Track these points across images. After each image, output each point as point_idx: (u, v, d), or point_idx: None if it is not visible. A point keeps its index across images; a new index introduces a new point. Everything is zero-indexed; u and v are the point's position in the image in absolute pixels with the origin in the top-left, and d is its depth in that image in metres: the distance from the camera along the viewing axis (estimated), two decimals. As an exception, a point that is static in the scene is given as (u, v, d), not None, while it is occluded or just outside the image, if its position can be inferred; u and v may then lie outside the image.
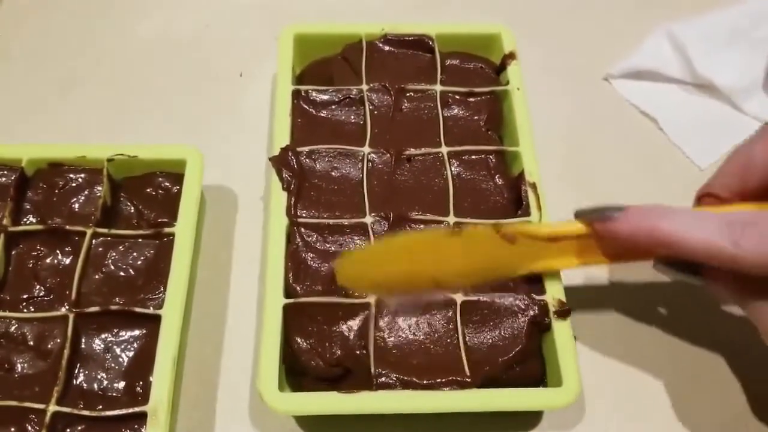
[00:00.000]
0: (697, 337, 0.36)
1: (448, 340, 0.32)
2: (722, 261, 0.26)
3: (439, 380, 0.30)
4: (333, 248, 0.34)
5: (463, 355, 0.31)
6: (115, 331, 0.33)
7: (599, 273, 0.38)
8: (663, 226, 0.27)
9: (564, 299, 0.33)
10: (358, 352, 0.31)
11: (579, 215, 0.30)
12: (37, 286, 0.34)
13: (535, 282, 0.33)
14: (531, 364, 0.32)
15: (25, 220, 0.36)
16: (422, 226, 0.35)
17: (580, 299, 0.36)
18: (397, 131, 0.38)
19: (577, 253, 0.31)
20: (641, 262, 0.30)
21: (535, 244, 0.30)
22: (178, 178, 0.37)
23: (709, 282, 0.29)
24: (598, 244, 0.30)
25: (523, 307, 0.32)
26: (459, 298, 0.33)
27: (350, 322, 0.32)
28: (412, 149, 0.37)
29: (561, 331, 0.32)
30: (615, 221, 0.29)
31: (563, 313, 0.32)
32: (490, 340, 0.32)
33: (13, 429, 0.30)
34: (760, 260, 0.26)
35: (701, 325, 0.37)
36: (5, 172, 0.37)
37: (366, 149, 0.37)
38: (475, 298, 0.33)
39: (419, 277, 0.31)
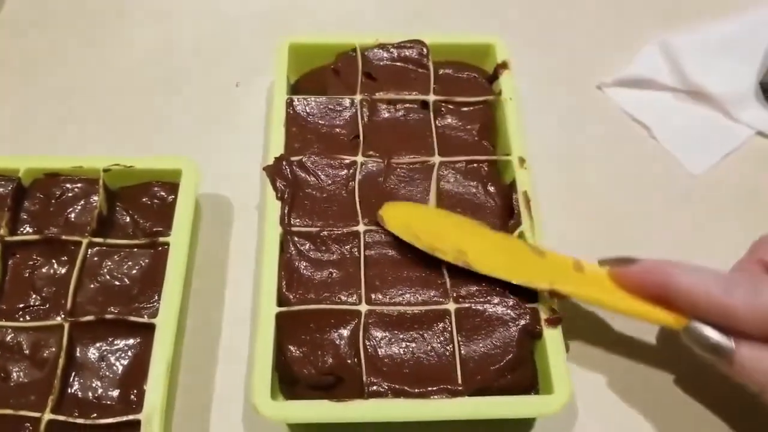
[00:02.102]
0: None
1: (441, 349, 0.32)
2: (714, 307, 0.28)
3: (430, 389, 0.31)
4: (326, 257, 0.35)
5: (458, 363, 0.31)
6: (110, 339, 0.33)
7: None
8: (669, 270, 0.29)
9: (555, 307, 0.33)
10: (349, 360, 0.32)
11: (601, 261, 0.33)
12: (33, 296, 0.35)
13: (526, 290, 0.33)
14: (523, 372, 0.32)
15: (21, 229, 0.36)
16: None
17: (573, 306, 0.36)
18: (391, 141, 0.39)
19: (597, 289, 0.32)
20: (658, 323, 0.31)
21: (562, 266, 0.33)
22: (173, 188, 0.37)
23: (735, 348, 0.28)
24: (617, 286, 0.31)
25: (514, 315, 0.32)
26: (452, 306, 0.33)
27: (342, 330, 0.33)
28: (405, 158, 0.38)
29: (552, 338, 0.32)
30: (630, 266, 0.31)
31: (554, 321, 0.32)
32: (482, 349, 0.32)
33: (8, 437, 0.30)
34: (751, 311, 0.27)
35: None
36: (2, 182, 0.37)
37: (359, 158, 0.38)
38: (466, 305, 0.33)
39: (447, 238, 0.34)
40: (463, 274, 0.34)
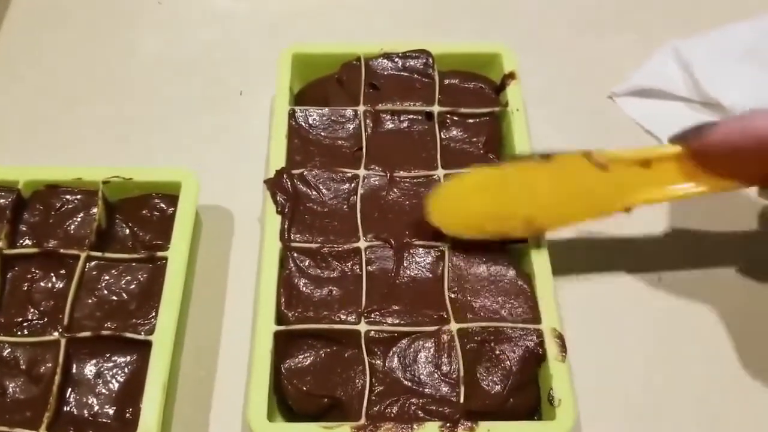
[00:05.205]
0: (698, 363, 0.35)
1: (442, 371, 0.31)
2: None
3: (431, 410, 0.30)
4: (326, 274, 0.34)
5: (461, 386, 0.30)
6: (107, 356, 0.33)
7: (599, 299, 0.38)
8: (756, 120, 0.26)
9: (560, 329, 0.32)
10: (347, 382, 0.31)
11: (673, 138, 0.30)
12: (31, 310, 0.34)
13: (531, 311, 0.33)
14: (526, 395, 0.32)
15: (21, 242, 0.36)
16: (420, 250, 0.34)
17: (578, 326, 0.35)
18: (394, 153, 0.38)
19: (675, 180, 0.30)
20: (742, 187, 0.29)
21: (629, 171, 0.30)
22: (173, 200, 0.37)
23: None
24: (696, 165, 0.29)
25: (518, 337, 0.32)
26: (454, 327, 0.32)
27: (340, 351, 0.32)
28: (408, 172, 0.37)
29: (556, 362, 0.31)
30: (710, 132, 0.28)
31: (559, 343, 0.31)
32: (485, 372, 0.31)
33: (3, 455, 0.30)
34: None
35: (701, 351, 0.36)
36: (2, 193, 0.37)
37: (362, 172, 0.37)
38: (468, 326, 0.32)
39: (511, 215, 0.31)
40: (466, 293, 0.33)
